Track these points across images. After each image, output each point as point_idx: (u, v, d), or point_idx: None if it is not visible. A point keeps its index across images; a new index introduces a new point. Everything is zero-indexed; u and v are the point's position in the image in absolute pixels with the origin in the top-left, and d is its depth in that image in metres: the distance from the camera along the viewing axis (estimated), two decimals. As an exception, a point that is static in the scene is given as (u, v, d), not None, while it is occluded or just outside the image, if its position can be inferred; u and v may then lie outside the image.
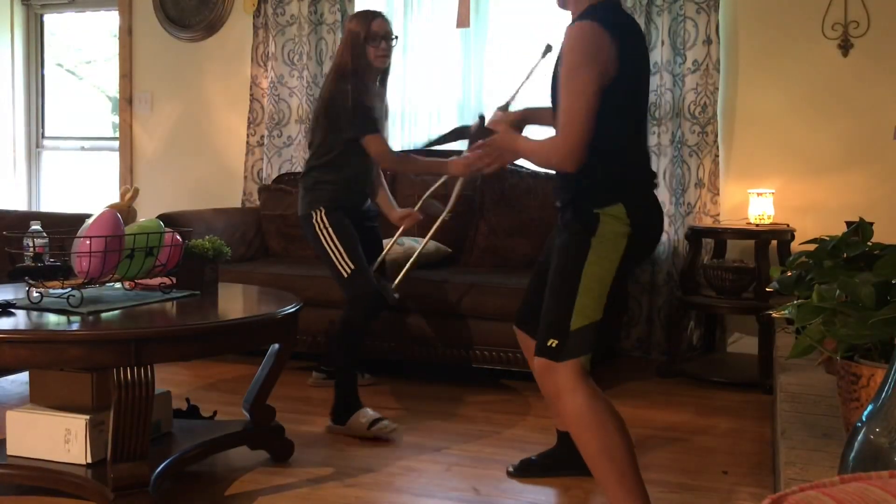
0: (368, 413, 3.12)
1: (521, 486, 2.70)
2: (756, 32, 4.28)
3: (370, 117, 3.24)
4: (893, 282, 1.21)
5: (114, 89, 5.69)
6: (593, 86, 2.12)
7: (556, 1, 2.39)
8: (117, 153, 5.55)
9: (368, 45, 3.26)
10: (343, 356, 3.21)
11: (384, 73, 3.41)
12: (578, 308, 2.17)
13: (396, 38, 3.40)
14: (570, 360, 2.16)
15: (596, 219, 2.18)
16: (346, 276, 3.23)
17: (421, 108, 4.91)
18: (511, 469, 2.80)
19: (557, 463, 2.77)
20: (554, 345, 2.18)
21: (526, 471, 2.78)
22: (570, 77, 2.14)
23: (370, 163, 3.36)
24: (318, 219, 3.27)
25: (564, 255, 2.23)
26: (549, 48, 2.92)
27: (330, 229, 3.25)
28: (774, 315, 1.48)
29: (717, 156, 4.27)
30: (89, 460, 2.44)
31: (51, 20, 5.94)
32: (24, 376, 3.43)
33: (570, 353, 2.17)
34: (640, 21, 4.30)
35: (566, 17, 2.39)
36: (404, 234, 3.67)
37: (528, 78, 2.99)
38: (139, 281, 2.77)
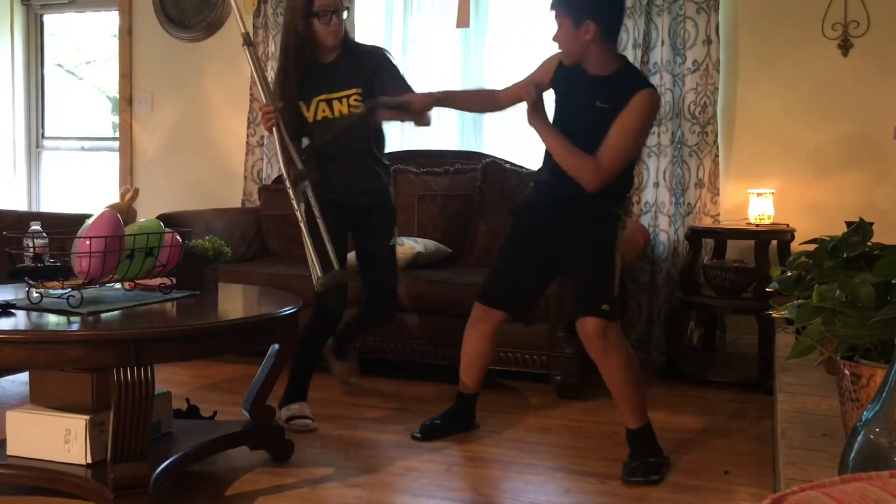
0: (295, 408, 3.20)
1: (522, 486, 2.70)
2: (756, 32, 4.28)
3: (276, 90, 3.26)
4: (893, 282, 1.21)
5: (114, 89, 5.69)
6: (643, 146, 3.10)
7: (564, 59, 2.80)
8: (117, 153, 5.55)
9: (312, 19, 3.16)
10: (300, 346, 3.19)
11: (350, 48, 3.26)
12: (614, 282, 2.80)
13: (348, 9, 3.30)
14: (617, 321, 2.81)
15: (619, 218, 2.86)
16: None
17: (421, 108, 4.91)
18: (417, 434, 3.11)
19: (456, 423, 3.17)
20: (607, 309, 2.73)
21: (431, 433, 3.10)
22: (632, 131, 2.72)
23: (339, 133, 3.22)
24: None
25: (598, 241, 2.82)
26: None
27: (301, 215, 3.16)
28: (774, 315, 1.47)
29: (717, 156, 4.27)
30: (89, 460, 2.44)
31: (51, 20, 5.94)
32: (24, 376, 3.43)
33: (617, 314, 2.83)
34: (640, 21, 4.30)
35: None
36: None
37: None
38: (139, 281, 2.77)
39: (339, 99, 3.20)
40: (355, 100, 3.18)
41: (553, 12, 2.74)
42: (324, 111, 3.21)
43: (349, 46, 3.26)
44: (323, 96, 3.20)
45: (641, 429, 2.83)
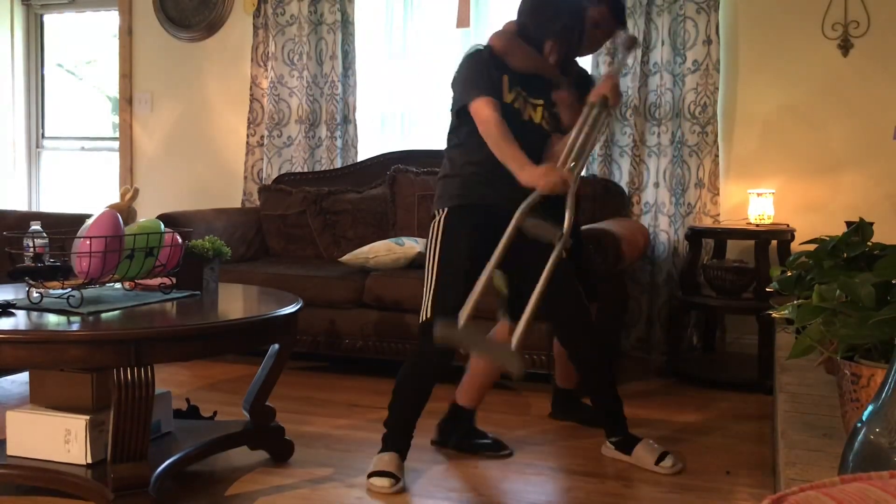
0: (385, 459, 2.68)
1: (522, 486, 2.70)
2: (756, 32, 4.28)
3: (477, 81, 2.70)
4: (893, 282, 1.21)
5: (114, 89, 5.69)
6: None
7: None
8: (117, 153, 5.55)
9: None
10: (395, 405, 2.81)
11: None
12: None
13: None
14: None
15: None
16: (423, 306, 2.69)
17: (421, 108, 4.92)
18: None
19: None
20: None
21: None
22: None
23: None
24: (437, 221, 2.76)
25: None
26: (634, 42, 2.85)
27: (440, 234, 2.71)
28: (774, 315, 1.47)
29: (717, 156, 4.27)
30: (89, 460, 2.44)
31: (51, 20, 5.94)
32: (24, 376, 3.43)
33: None
34: (640, 21, 4.30)
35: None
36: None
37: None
38: (139, 281, 2.77)
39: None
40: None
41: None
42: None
43: None
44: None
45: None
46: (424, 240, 3.92)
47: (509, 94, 2.73)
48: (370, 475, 2.63)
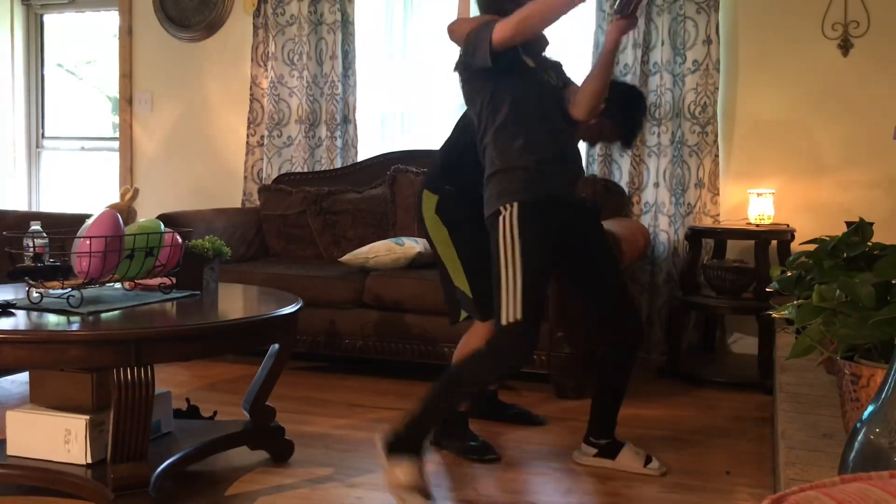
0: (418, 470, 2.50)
1: (522, 486, 2.70)
2: (756, 32, 4.28)
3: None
4: (893, 282, 1.21)
5: (114, 89, 5.69)
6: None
7: None
8: (117, 153, 5.55)
9: None
10: (449, 397, 2.64)
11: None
12: None
13: None
14: None
15: None
16: (506, 307, 2.54)
17: (421, 108, 4.92)
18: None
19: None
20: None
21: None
22: None
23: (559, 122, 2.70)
24: (507, 217, 2.59)
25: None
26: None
27: (516, 231, 2.58)
28: (774, 315, 1.47)
29: (717, 156, 4.27)
30: (89, 460, 2.44)
31: (51, 20, 5.94)
32: (24, 376, 3.43)
33: None
34: (640, 21, 4.30)
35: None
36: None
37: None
38: (139, 281, 2.77)
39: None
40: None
41: None
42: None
43: None
44: None
45: None
46: (423, 240, 3.90)
47: (528, 59, 2.68)
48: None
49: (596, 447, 2.85)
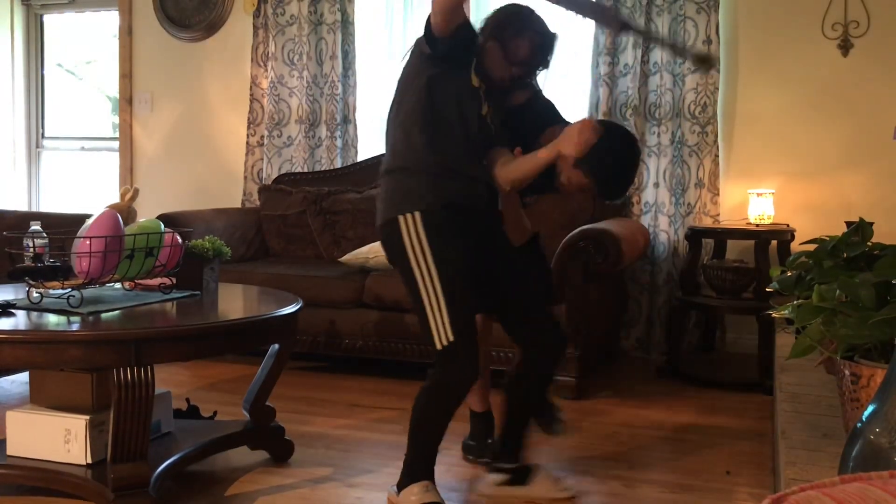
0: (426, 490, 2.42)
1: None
2: (756, 32, 4.28)
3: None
4: (893, 282, 1.21)
5: (114, 89, 5.69)
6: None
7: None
8: (117, 153, 5.55)
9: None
10: (422, 424, 2.47)
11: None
12: None
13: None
14: None
15: None
16: (435, 330, 2.37)
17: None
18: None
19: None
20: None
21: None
22: None
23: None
24: (409, 224, 2.40)
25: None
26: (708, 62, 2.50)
27: (424, 240, 2.38)
28: (774, 315, 1.47)
29: (717, 156, 4.28)
30: (89, 460, 2.44)
31: (51, 20, 5.94)
32: (24, 376, 3.43)
33: None
34: (640, 21, 4.30)
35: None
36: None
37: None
38: (139, 281, 2.77)
39: None
40: None
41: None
42: None
43: None
44: None
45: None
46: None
47: (475, 79, 2.44)
48: None
49: (506, 473, 2.62)
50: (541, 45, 2.44)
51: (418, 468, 2.43)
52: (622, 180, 2.48)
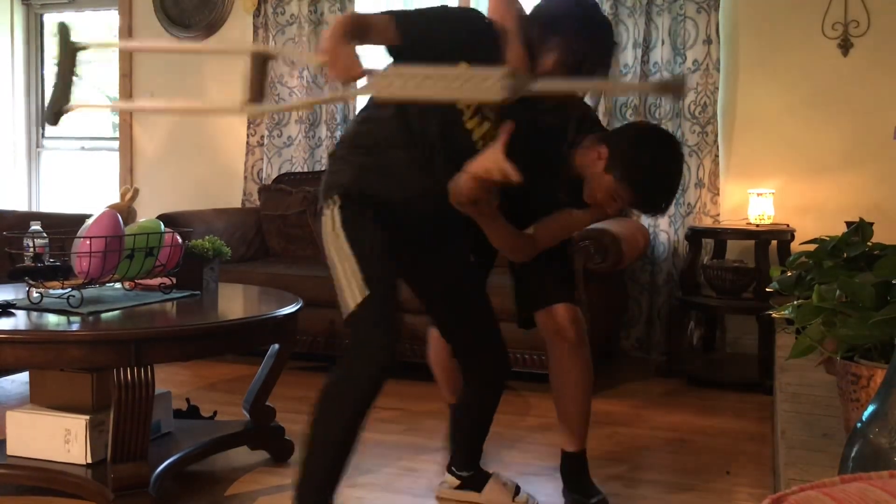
0: None
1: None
2: (756, 32, 4.28)
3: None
4: (893, 282, 1.21)
5: (114, 89, 5.69)
6: None
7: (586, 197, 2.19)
8: (117, 153, 5.55)
9: None
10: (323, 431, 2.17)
11: None
12: None
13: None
14: None
15: None
16: (350, 296, 2.15)
17: (421, 108, 4.92)
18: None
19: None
20: (578, 297, 2.46)
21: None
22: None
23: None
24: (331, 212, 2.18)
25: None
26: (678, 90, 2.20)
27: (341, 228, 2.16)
28: (774, 315, 1.47)
29: (717, 156, 4.28)
30: (89, 460, 2.44)
31: (51, 20, 5.95)
32: (24, 376, 3.43)
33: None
34: (640, 21, 4.30)
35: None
36: None
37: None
38: (139, 281, 2.77)
39: None
40: None
41: None
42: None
43: None
44: None
45: (582, 452, 2.52)
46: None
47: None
48: None
49: (459, 478, 2.57)
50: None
51: (316, 495, 2.11)
52: (664, 191, 2.16)
